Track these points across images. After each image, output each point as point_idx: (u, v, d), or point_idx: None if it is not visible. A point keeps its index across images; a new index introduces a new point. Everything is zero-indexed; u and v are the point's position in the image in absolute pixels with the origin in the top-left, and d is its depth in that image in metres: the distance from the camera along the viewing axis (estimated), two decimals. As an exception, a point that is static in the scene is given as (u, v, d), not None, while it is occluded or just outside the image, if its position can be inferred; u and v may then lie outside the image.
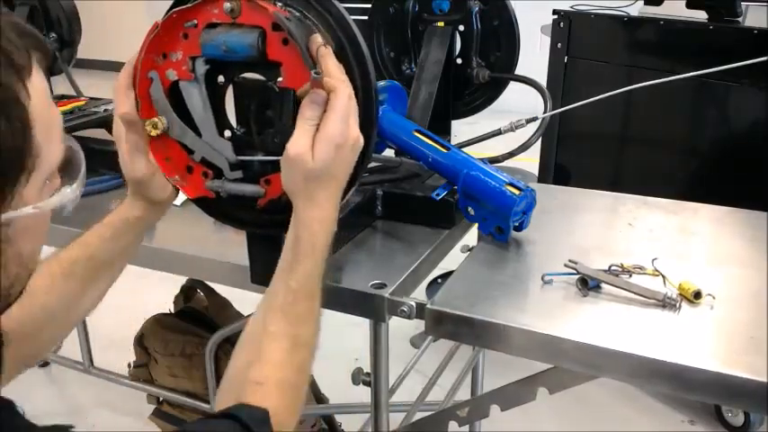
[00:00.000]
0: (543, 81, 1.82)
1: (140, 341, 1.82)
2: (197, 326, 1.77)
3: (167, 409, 1.85)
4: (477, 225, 1.11)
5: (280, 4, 0.86)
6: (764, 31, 1.84)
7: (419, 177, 1.22)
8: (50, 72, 1.91)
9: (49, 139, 0.59)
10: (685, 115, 2.09)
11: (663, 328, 0.87)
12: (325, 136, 0.78)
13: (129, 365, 1.88)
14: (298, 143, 0.79)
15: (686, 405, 2.21)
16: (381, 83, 1.24)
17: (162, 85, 0.89)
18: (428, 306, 0.93)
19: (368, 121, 0.89)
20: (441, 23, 1.39)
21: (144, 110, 0.90)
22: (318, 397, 1.80)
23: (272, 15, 0.81)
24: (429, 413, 1.26)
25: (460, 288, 0.98)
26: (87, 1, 2.75)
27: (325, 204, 0.81)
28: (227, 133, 0.91)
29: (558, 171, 2.42)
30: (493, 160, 1.20)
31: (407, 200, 1.19)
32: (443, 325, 0.92)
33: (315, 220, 0.81)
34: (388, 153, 1.22)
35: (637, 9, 2.32)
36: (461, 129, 1.53)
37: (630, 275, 0.98)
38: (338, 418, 1.86)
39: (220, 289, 1.79)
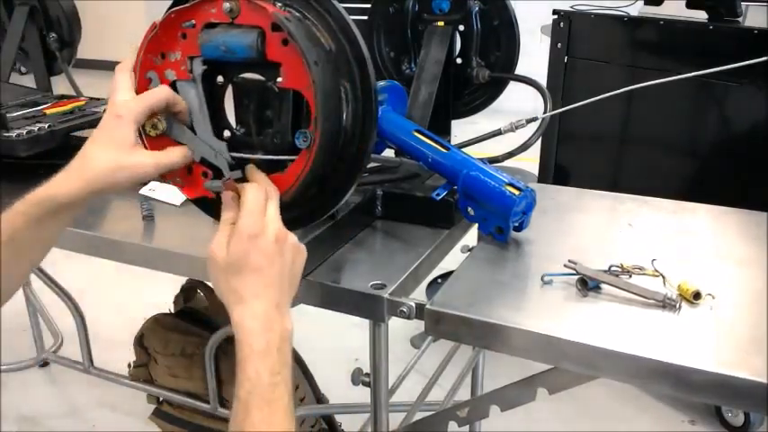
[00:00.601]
0: (543, 81, 1.82)
1: (140, 341, 1.82)
2: (197, 326, 1.77)
3: (167, 409, 1.85)
4: (477, 225, 1.11)
5: (279, 4, 0.86)
6: (764, 31, 1.84)
7: (419, 177, 1.22)
8: (50, 72, 1.92)
9: None
10: (685, 115, 2.09)
11: (663, 328, 0.87)
12: (237, 230, 0.80)
13: (129, 365, 1.88)
14: (213, 242, 0.81)
15: (686, 405, 2.21)
16: (381, 83, 1.24)
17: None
18: (428, 306, 0.93)
19: (368, 121, 0.89)
20: (441, 23, 1.39)
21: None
22: (318, 397, 1.80)
23: (272, 15, 0.81)
24: (429, 413, 1.26)
25: (460, 288, 0.98)
26: (87, 1, 2.75)
27: (254, 300, 0.78)
28: (227, 133, 0.91)
29: (557, 171, 2.42)
30: (493, 160, 1.20)
31: (407, 200, 1.19)
32: (443, 325, 0.92)
33: (245, 317, 0.77)
34: (388, 153, 1.22)
35: (637, 9, 2.32)
36: (461, 129, 1.53)
37: (630, 276, 0.98)
38: (338, 418, 1.86)
39: (220, 289, 1.79)
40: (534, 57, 2.43)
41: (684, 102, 2.05)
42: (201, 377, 1.69)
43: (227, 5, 0.83)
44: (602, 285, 0.95)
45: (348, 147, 0.90)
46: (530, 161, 1.79)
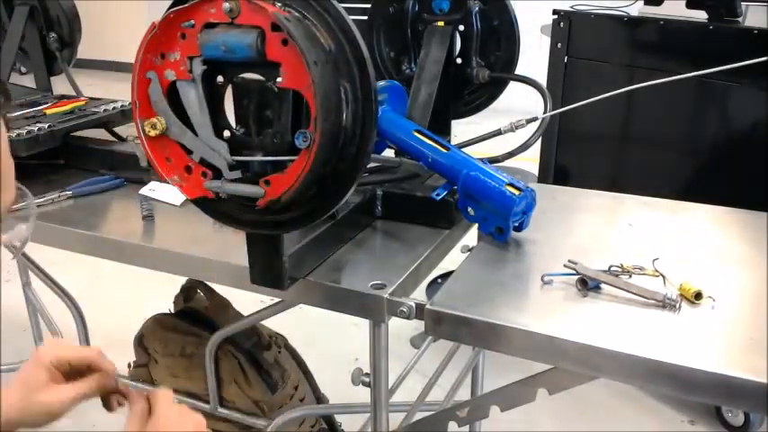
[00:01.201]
0: (543, 81, 1.82)
1: (140, 341, 1.82)
2: (197, 326, 1.77)
3: (167, 410, 1.84)
4: (477, 225, 1.11)
5: (279, 4, 0.86)
6: (764, 31, 1.84)
7: (419, 177, 1.22)
8: (50, 72, 1.92)
9: (7, 185, 0.61)
10: (685, 115, 2.09)
11: (663, 328, 0.87)
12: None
13: (129, 365, 1.87)
14: None
15: (686, 405, 2.21)
16: (381, 83, 1.24)
17: (160, 86, 0.89)
18: (428, 306, 0.93)
19: (368, 121, 0.89)
20: (441, 23, 1.39)
21: (143, 110, 0.90)
22: (318, 397, 1.80)
23: (272, 15, 0.81)
24: (429, 413, 1.26)
25: (460, 288, 0.98)
26: (87, 1, 2.75)
27: None
28: (227, 133, 0.91)
29: (557, 171, 2.42)
30: (493, 160, 1.20)
31: (407, 200, 1.19)
32: (443, 325, 0.92)
33: None
34: (388, 153, 1.22)
35: (637, 9, 2.32)
36: (461, 129, 1.53)
37: (630, 276, 0.98)
38: (338, 418, 1.85)
39: (220, 289, 1.79)
40: (534, 57, 2.43)
41: (684, 102, 2.05)
42: (201, 377, 1.68)
43: (226, 5, 0.83)
44: (602, 285, 0.95)
45: (348, 147, 0.90)
46: (530, 161, 1.79)
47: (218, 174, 0.91)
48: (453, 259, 1.13)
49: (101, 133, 1.57)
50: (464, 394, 1.76)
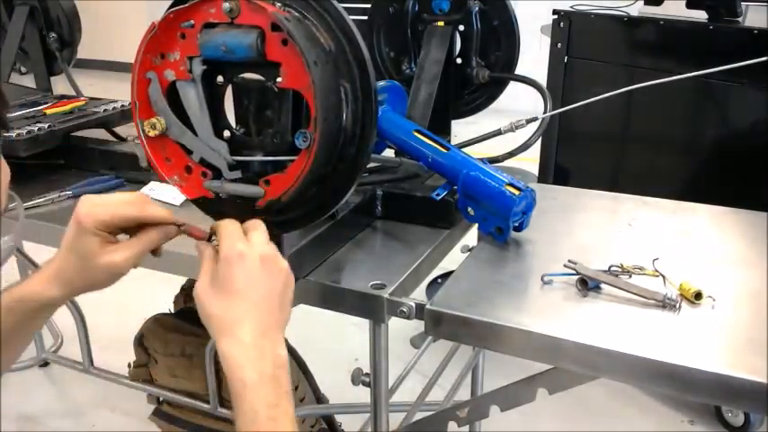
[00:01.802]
0: (543, 81, 1.82)
1: (140, 341, 1.82)
2: (197, 326, 1.77)
3: (167, 409, 1.85)
4: (477, 225, 1.11)
5: (279, 4, 0.86)
6: (764, 31, 1.84)
7: (419, 177, 1.22)
8: (50, 72, 1.92)
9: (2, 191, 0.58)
10: (685, 115, 2.09)
11: (663, 328, 0.87)
12: (220, 257, 0.76)
13: (129, 365, 1.87)
14: (198, 282, 0.76)
15: (686, 405, 2.21)
16: (381, 83, 1.24)
17: (160, 86, 0.89)
18: (428, 306, 0.93)
19: (368, 121, 0.89)
20: (441, 23, 1.39)
21: (143, 110, 0.90)
22: (318, 397, 1.80)
23: (272, 15, 0.81)
24: (429, 413, 1.26)
25: (460, 288, 0.98)
26: (87, 1, 2.75)
27: (239, 327, 0.72)
28: (227, 133, 0.91)
29: (557, 171, 2.41)
30: (493, 160, 1.20)
31: (407, 200, 1.19)
32: (443, 325, 0.92)
33: (232, 348, 0.72)
34: (388, 153, 1.22)
35: (637, 9, 2.31)
36: (461, 129, 1.53)
37: (630, 276, 0.98)
38: (338, 418, 1.85)
39: (220, 289, 1.79)
40: (534, 57, 2.43)
41: (684, 102, 2.05)
42: (201, 377, 1.68)
43: (226, 5, 0.83)
44: (602, 285, 0.95)
45: (348, 147, 0.90)
46: (530, 161, 1.79)
47: (218, 174, 0.91)
48: (453, 259, 1.13)
49: (101, 133, 1.57)
50: (464, 394, 1.76)
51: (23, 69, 2.04)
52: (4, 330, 0.78)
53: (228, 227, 0.78)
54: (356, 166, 0.91)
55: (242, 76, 0.89)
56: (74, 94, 1.82)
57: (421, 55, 1.37)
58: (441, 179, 1.13)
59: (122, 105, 1.61)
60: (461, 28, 1.40)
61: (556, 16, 2.29)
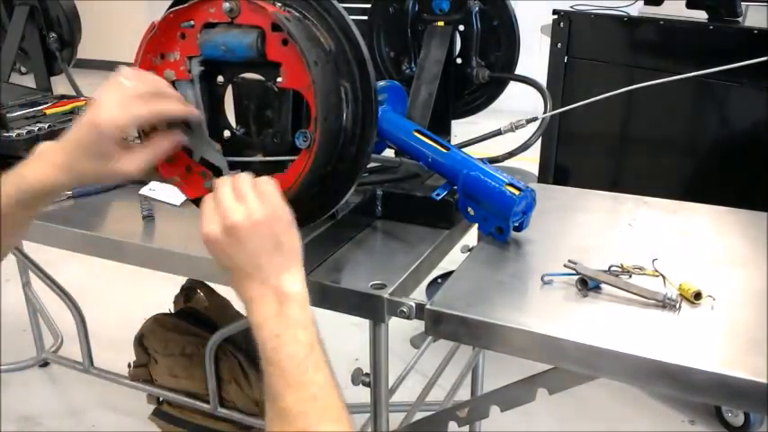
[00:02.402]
0: (543, 81, 1.82)
1: (140, 341, 1.82)
2: (197, 326, 1.77)
3: (167, 409, 1.85)
4: (477, 225, 1.11)
5: (279, 4, 0.86)
6: (764, 31, 1.84)
7: (419, 177, 1.22)
8: (50, 72, 1.92)
9: None
10: (685, 115, 2.09)
11: (663, 328, 0.87)
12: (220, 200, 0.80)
13: (129, 365, 1.87)
14: (203, 221, 0.79)
15: (686, 405, 2.21)
16: (381, 83, 1.24)
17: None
18: (428, 306, 0.93)
19: (368, 121, 0.89)
20: (441, 23, 1.39)
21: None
22: (318, 397, 1.79)
23: (272, 15, 0.81)
24: (429, 413, 1.26)
25: (460, 288, 0.98)
26: (87, 1, 2.75)
27: (249, 269, 0.77)
28: (227, 133, 0.91)
29: (557, 171, 2.42)
30: (493, 160, 1.20)
31: (407, 200, 1.19)
32: (443, 325, 0.92)
33: (241, 293, 0.79)
34: (388, 153, 1.22)
35: (637, 9, 2.32)
36: (461, 129, 1.53)
37: (630, 276, 0.98)
38: (338, 418, 1.85)
39: (220, 289, 1.79)
40: (534, 57, 2.43)
41: (684, 102, 2.05)
42: (201, 377, 1.69)
43: (227, 5, 0.83)
44: (602, 285, 0.95)
45: (348, 147, 0.90)
46: (530, 161, 1.79)
47: (218, 174, 0.91)
48: (453, 259, 1.13)
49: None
50: (464, 394, 1.76)
51: (23, 69, 2.04)
52: (12, 221, 0.82)
53: (217, 194, 0.80)
54: (356, 166, 0.91)
55: (242, 76, 0.89)
56: (74, 94, 1.82)
57: (421, 55, 1.37)
58: (441, 179, 1.13)
59: (122, 105, 1.61)
60: (461, 28, 1.40)
61: (556, 16, 2.29)
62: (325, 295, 1.01)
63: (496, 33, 1.41)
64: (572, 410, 2.18)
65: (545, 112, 1.29)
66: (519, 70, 1.44)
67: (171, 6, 0.88)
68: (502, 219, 1.06)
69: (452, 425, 1.20)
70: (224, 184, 0.80)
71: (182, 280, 1.86)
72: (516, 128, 1.27)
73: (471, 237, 1.18)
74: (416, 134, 1.14)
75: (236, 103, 0.91)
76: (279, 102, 0.87)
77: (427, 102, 1.31)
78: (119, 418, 2.23)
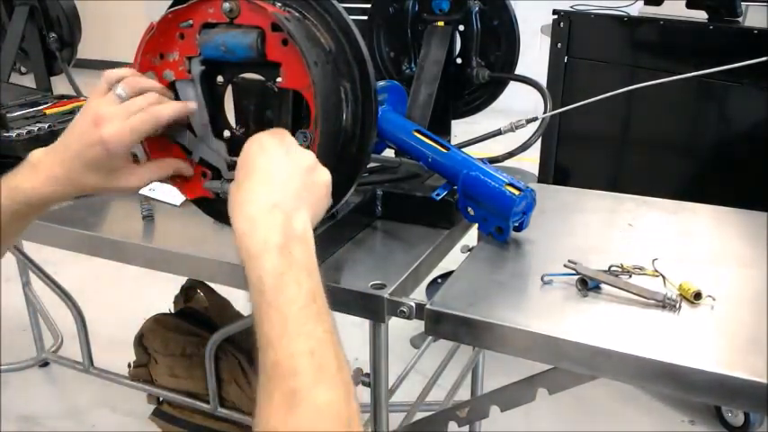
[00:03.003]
0: (543, 81, 1.82)
1: (140, 341, 1.82)
2: (197, 326, 1.77)
3: (167, 409, 1.85)
4: (477, 225, 1.11)
5: (279, 4, 0.86)
6: (764, 31, 1.84)
7: (419, 177, 1.22)
8: (50, 72, 1.92)
9: None
10: (685, 115, 2.09)
11: (663, 328, 0.87)
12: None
13: (129, 365, 1.87)
14: None
15: (686, 405, 2.21)
16: (381, 83, 1.24)
17: (160, 86, 0.89)
18: (427, 306, 0.93)
19: (368, 121, 0.89)
20: (441, 23, 1.39)
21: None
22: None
23: (272, 16, 0.81)
24: (429, 413, 1.26)
25: (460, 288, 0.98)
26: (87, 1, 2.75)
27: (248, 202, 0.70)
28: (227, 133, 0.91)
29: (557, 171, 2.42)
30: (493, 160, 1.20)
31: (407, 200, 1.19)
32: (443, 325, 0.92)
33: (238, 221, 0.69)
34: (388, 153, 1.22)
35: (637, 9, 2.32)
36: (461, 129, 1.53)
37: (630, 276, 0.98)
38: (338, 418, 1.85)
39: (220, 289, 1.79)
40: (534, 57, 2.43)
41: (684, 102, 2.05)
42: (201, 377, 1.69)
43: (226, 5, 0.83)
44: (602, 285, 0.95)
45: (348, 147, 0.90)
46: (530, 161, 1.79)
47: (217, 174, 0.91)
48: (453, 259, 1.13)
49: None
50: (464, 394, 1.76)
51: (23, 69, 2.04)
52: (2, 227, 0.79)
53: (276, 129, 0.79)
54: (356, 166, 0.91)
55: (242, 76, 0.89)
56: (74, 94, 1.82)
57: (421, 55, 1.37)
58: (441, 179, 1.13)
59: (122, 105, 1.61)
60: (461, 28, 1.40)
61: (556, 16, 2.29)
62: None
63: (496, 33, 1.41)
64: (572, 410, 2.18)
65: (545, 112, 1.29)
66: (519, 70, 1.44)
67: (170, 6, 0.88)
68: (502, 219, 1.06)
69: (452, 425, 1.20)
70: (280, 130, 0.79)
71: (182, 280, 1.86)
72: (516, 128, 1.27)
73: (471, 237, 1.18)
74: (416, 134, 1.14)
75: (235, 104, 0.91)
76: (279, 102, 0.87)
77: (427, 102, 1.31)
78: (119, 418, 2.23)
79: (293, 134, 0.86)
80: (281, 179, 0.72)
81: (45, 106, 1.59)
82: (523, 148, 1.25)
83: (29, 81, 1.93)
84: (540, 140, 1.58)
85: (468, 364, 1.72)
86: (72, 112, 1.56)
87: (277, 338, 0.61)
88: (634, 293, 0.92)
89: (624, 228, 1.17)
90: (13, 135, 1.35)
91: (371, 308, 0.98)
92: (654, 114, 2.12)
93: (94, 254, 1.23)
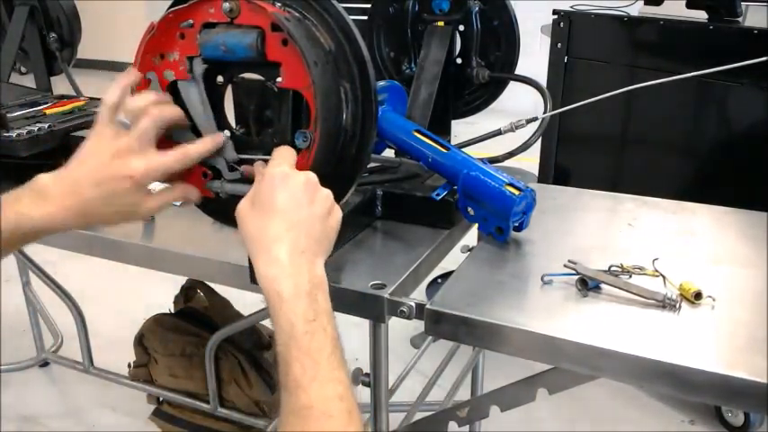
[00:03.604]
0: (543, 81, 1.82)
1: (140, 341, 1.82)
2: (197, 326, 1.77)
3: (167, 409, 1.85)
4: (477, 225, 1.11)
5: (279, 4, 0.86)
6: (764, 31, 1.84)
7: (419, 177, 1.22)
8: (50, 72, 1.92)
9: None
10: (685, 115, 2.09)
11: (663, 328, 0.87)
12: (265, 175, 0.79)
13: (129, 365, 1.88)
14: (242, 200, 0.79)
15: (686, 405, 2.21)
16: (381, 83, 1.24)
17: (160, 87, 0.89)
18: (427, 306, 0.93)
19: (368, 121, 0.89)
20: (441, 23, 1.39)
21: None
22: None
23: (272, 15, 0.81)
24: (429, 413, 1.26)
25: (460, 288, 0.98)
26: (87, 1, 2.75)
27: (275, 244, 0.73)
28: (227, 133, 0.91)
29: (557, 171, 2.42)
30: (493, 160, 1.20)
31: (407, 200, 1.19)
32: (443, 325, 0.92)
33: (268, 266, 0.73)
34: (388, 153, 1.22)
35: (637, 9, 2.32)
36: (461, 129, 1.53)
37: (630, 276, 0.98)
38: (338, 418, 1.85)
39: (220, 289, 1.79)
40: (534, 57, 2.43)
41: (684, 102, 2.05)
42: (201, 377, 1.69)
43: (226, 5, 0.83)
44: (602, 285, 0.95)
45: (348, 147, 0.90)
46: (530, 161, 1.79)
47: (218, 174, 0.91)
48: (453, 259, 1.13)
49: (101, 133, 1.57)
50: (464, 394, 1.76)
51: (23, 69, 2.04)
52: (3, 249, 0.79)
53: (284, 151, 0.81)
54: (356, 166, 0.91)
55: (242, 76, 0.89)
56: (74, 94, 1.82)
57: (421, 55, 1.37)
58: (441, 179, 1.13)
59: (122, 105, 1.61)
60: (461, 28, 1.40)
61: (556, 16, 2.29)
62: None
63: (496, 33, 1.41)
64: (572, 410, 2.18)
65: (545, 112, 1.29)
66: (519, 70, 1.44)
67: (170, 6, 0.88)
68: (502, 219, 1.06)
69: (452, 425, 1.20)
70: (289, 152, 0.81)
71: (182, 280, 1.86)
72: (516, 128, 1.27)
73: (471, 237, 1.18)
74: (416, 134, 1.14)
75: (235, 104, 0.91)
76: (279, 102, 0.87)
77: (427, 102, 1.31)
78: (119, 418, 2.23)
79: (293, 134, 0.86)
80: (307, 226, 0.75)
81: (45, 106, 1.59)
82: (523, 148, 1.25)
83: (29, 81, 1.93)
84: (540, 140, 1.58)
85: (468, 364, 1.72)
86: (72, 112, 1.56)
87: (308, 383, 0.65)
88: (634, 293, 0.92)
89: (624, 228, 1.17)
90: (13, 135, 1.35)
91: (371, 308, 0.98)
92: (654, 114, 2.12)
93: (94, 254, 1.23)
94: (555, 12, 2.29)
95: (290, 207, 0.75)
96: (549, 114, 1.28)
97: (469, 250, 1.11)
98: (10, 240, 0.78)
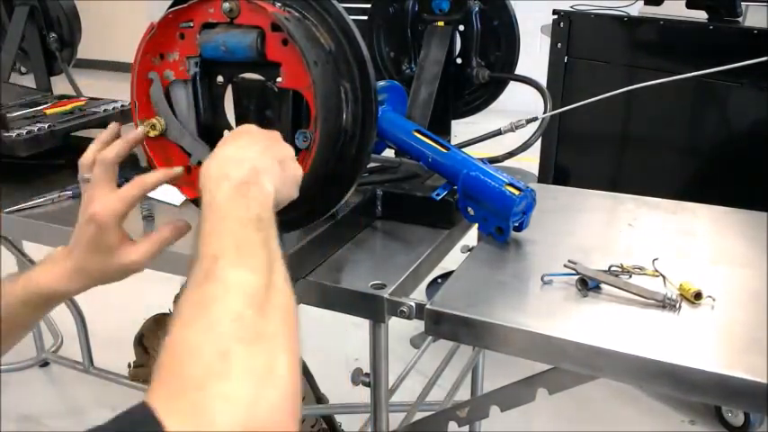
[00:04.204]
0: (543, 81, 1.82)
1: (140, 341, 1.82)
2: (197, 326, 1.77)
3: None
4: (477, 225, 1.11)
5: (279, 4, 0.86)
6: (764, 31, 1.84)
7: (419, 177, 1.22)
8: (50, 72, 1.92)
9: None
10: (685, 115, 2.09)
11: (663, 328, 0.87)
12: None
13: (129, 365, 1.88)
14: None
15: (686, 405, 2.21)
16: (381, 83, 1.24)
17: (161, 87, 0.89)
18: (427, 306, 0.93)
19: (368, 121, 0.89)
20: (441, 23, 1.39)
21: (142, 111, 0.90)
22: (318, 397, 1.80)
23: (272, 15, 0.81)
24: (429, 413, 1.26)
25: (460, 288, 0.98)
26: (87, 1, 2.75)
27: (218, 150, 0.71)
28: (227, 133, 0.91)
29: (558, 171, 2.42)
30: (493, 160, 1.20)
31: (407, 200, 1.19)
32: (443, 325, 0.92)
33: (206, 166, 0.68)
34: (388, 153, 1.22)
35: (637, 9, 2.32)
36: (461, 129, 1.53)
37: (630, 276, 0.98)
38: (338, 418, 1.86)
39: (220, 289, 1.79)
40: (534, 57, 2.43)
41: (684, 102, 2.05)
42: (201, 377, 1.68)
43: (226, 5, 0.83)
44: (602, 285, 0.95)
45: (348, 147, 0.90)
46: (530, 161, 1.79)
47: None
48: (453, 259, 1.13)
49: (101, 133, 1.57)
50: (464, 394, 1.76)
51: (23, 69, 2.04)
52: (15, 321, 0.80)
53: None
54: (356, 166, 0.91)
55: (242, 76, 0.89)
56: (74, 94, 1.82)
57: (421, 55, 1.37)
58: (441, 179, 1.13)
59: (122, 105, 1.61)
60: (461, 28, 1.40)
61: (556, 16, 2.29)
62: (325, 295, 1.01)
63: (496, 33, 1.41)
64: (572, 410, 2.18)
65: (545, 112, 1.29)
66: (519, 70, 1.44)
67: (170, 6, 0.88)
68: (502, 219, 1.06)
69: (452, 425, 1.20)
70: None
71: (182, 280, 1.86)
72: (516, 128, 1.27)
73: (471, 237, 1.18)
74: (416, 134, 1.14)
75: (235, 104, 0.91)
76: (279, 102, 0.87)
77: (427, 102, 1.31)
78: (119, 419, 2.23)
79: (293, 134, 0.86)
80: (259, 148, 0.71)
81: (45, 106, 1.59)
82: (523, 148, 1.25)
83: (29, 81, 1.93)
84: (540, 140, 1.58)
85: (468, 364, 1.72)
86: (72, 113, 1.56)
87: (208, 235, 0.59)
88: (634, 293, 0.92)
89: (624, 228, 1.17)
90: (13, 135, 1.35)
91: (371, 308, 0.98)
92: (654, 114, 2.12)
93: (94, 254, 1.23)
94: (555, 12, 2.29)
95: (244, 137, 0.74)
96: (549, 114, 1.28)
97: (469, 250, 1.11)
98: (16, 304, 0.80)
